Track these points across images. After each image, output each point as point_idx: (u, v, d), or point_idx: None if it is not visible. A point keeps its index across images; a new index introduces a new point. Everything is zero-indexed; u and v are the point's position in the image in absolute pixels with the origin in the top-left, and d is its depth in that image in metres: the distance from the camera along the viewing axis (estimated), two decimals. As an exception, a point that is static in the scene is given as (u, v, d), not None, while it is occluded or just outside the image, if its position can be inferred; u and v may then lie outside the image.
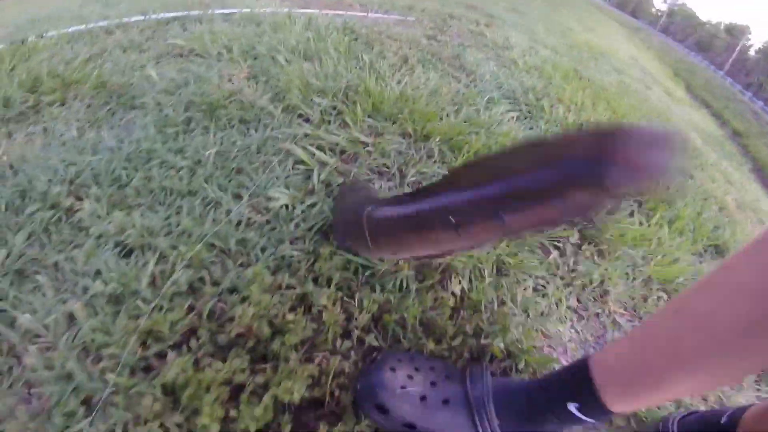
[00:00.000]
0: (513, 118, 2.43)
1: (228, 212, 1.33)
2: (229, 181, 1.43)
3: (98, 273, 1.19)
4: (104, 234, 1.29)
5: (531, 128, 2.45)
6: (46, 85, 2.27)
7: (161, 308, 1.11)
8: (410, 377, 0.98)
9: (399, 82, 2.26)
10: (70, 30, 2.98)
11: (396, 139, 1.80)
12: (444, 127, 1.91)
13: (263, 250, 1.26)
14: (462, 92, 2.51)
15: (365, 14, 3.60)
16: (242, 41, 2.42)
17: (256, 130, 1.66)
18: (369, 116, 1.87)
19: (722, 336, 0.61)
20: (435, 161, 1.76)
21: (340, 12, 3.49)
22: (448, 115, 2.15)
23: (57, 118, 2.01)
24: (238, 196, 1.38)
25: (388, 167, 1.66)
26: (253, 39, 2.48)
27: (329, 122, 1.77)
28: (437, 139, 1.84)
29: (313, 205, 1.41)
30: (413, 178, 1.65)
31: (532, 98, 2.76)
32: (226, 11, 3.23)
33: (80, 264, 1.22)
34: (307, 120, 1.79)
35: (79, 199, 1.47)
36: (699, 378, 0.67)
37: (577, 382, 0.82)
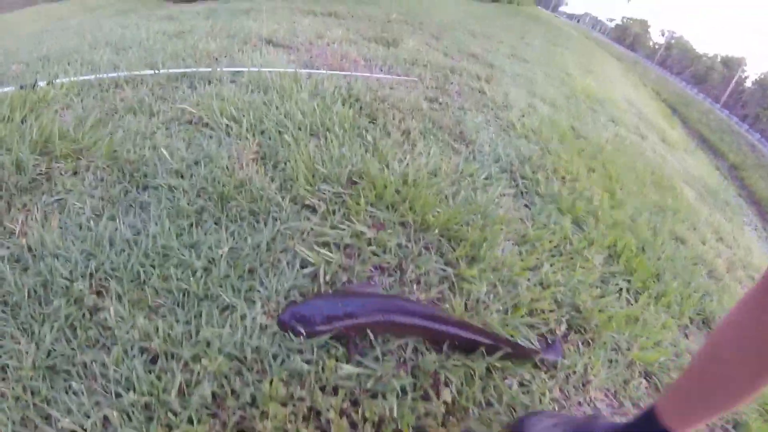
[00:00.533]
0: (509, 196, 2.58)
1: (242, 317, 1.45)
2: (242, 283, 1.55)
3: (128, 380, 1.32)
4: (130, 339, 1.41)
5: (527, 205, 2.60)
6: (58, 148, 2.35)
7: (191, 420, 1.23)
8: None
9: (401, 162, 2.40)
10: (80, 79, 3.11)
11: (397, 229, 1.93)
12: (442, 215, 2.04)
13: (275, 357, 1.38)
14: (461, 168, 2.65)
15: (369, 74, 3.78)
16: (250, 114, 2.57)
17: (265, 224, 1.79)
18: (371, 204, 2.00)
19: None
20: (433, 256, 1.89)
21: (345, 72, 3.66)
22: (446, 197, 2.28)
23: (71, 190, 2.11)
24: (251, 301, 1.51)
25: (388, 263, 1.79)
26: (261, 110, 2.63)
27: (334, 212, 1.91)
28: (435, 231, 1.97)
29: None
30: (412, 275, 1.78)
31: (528, 171, 2.89)
32: (234, 69, 3.39)
33: (110, 369, 1.34)
34: (314, 210, 1.92)
35: (101, 295, 1.58)
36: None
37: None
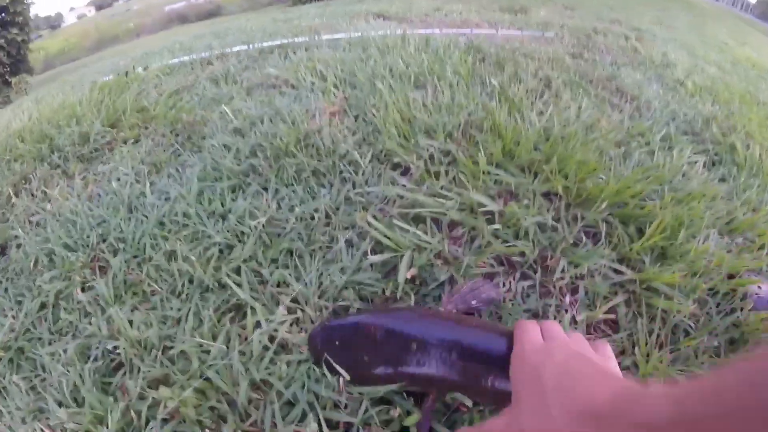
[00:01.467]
0: (700, 164, 1.72)
1: (256, 326, 0.88)
2: (272, 271, 0.98)
3: (76, 388, 0.85)
4: (96, 335, 0.94)
5: (724, 179, 1.71)
6: (127, 120, 2.12)
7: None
8: None
9: (541, 114, 1.68)
10: (171, 62, 2.94)
11: (538, 201, 1.23)
12: (610, 184, 1.29)
13: (291, 405, 0.79)
14: (627, 126, 1.86)
15: (494, 31, 3.10)
16: (340, 68, 2.06)
17: (330, 188, 1.23)
18: (497, 165, 1.33)
19: None
20: (600, 246, 1.15)
21: (465, 30, 3.04)
22: (611, 161, 1.52)
23: (125, 157, 1.79)
24: (275, 301, 0.94)
25: (524, 255, 1.10)
26: (354, 65, 2.09)
27: (437, 175, 1.27)
28: (602, 206, 1.23)
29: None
30: (563, 277, 1.06)
31: (717, 133, 1.98)
32: (333, 37, 2.96)
33: (60, 369, 0.90)
34: (406, 172, 1.31)
35: (94, 271, 1.16)
36: None
37: None
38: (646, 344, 0.99)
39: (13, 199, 1.64)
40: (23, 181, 1.79)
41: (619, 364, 0.95)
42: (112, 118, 2.18)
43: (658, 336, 1.02)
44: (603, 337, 1.03)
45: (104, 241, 1.19)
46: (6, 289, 1.22)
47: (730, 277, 1.19)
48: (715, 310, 1.09)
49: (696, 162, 1.74)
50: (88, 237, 1.20)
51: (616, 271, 1.13)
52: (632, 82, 2.47)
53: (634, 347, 1.00)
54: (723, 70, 3.87)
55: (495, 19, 3.70)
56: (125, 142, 1.95)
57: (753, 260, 1.24)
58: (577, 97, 2.00)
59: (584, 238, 1.18)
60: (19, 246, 1.35)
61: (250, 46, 2.97)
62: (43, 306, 1.11)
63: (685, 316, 1.04)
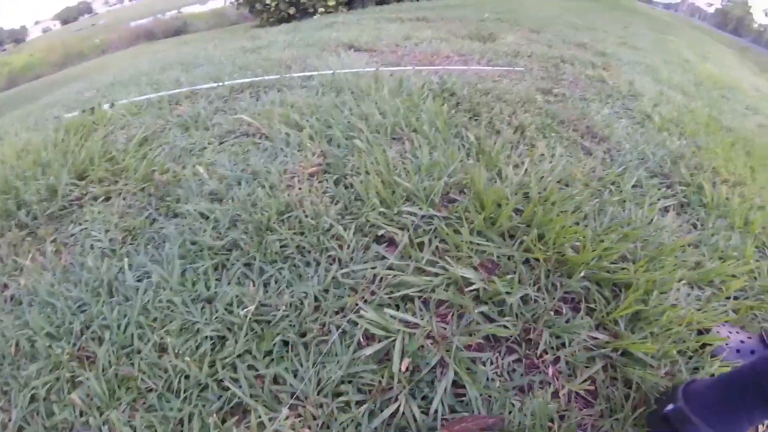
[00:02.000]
0: (671, 212, 1.82)
1: (259, 427, 0.90)
2: (268, 366, 1.00)
3: None
4: None
5: (694, 225, 1.82)
6: (96, 171, 2.08)
7: None
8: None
9: (517, 167, 1.76)
10: (138, 99, 2.90)
11: (519, 271, 1.29)
12: (587, 247, 1.36)
13: None
14: (598, 173, 1.96)
15: (465, 68, 3.19)
16: (315, 116, 2.09)
17: (317, 266, 1.25)
18: (478, 233, 1.38)
19: None
20: (579, 315, 1.22)
21: (436, 66, 3.12)
22: (586, 217, 1.60)
23: (96, 219, 1.77)
24: (276, 399, 0.96)
25: (507, 328, 1.15)
26: (329, 113, 2.13)
27: (421, 247, 1.31)
28: (580, 274, 1.30)
29: (392, 417, 0.96)
30: (546, 350, 1.12)
31: (686, 174, 2.10)
32: (305, 74, 2.99)
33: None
34: (391, 242, 1.35)
35: (82, 362, 1.15)
36: None
37: None
38: (623, 408, 1.06)
39: (-19, 267, 1.60)
40: (-9, 243, 1.75)
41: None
42: (79, 168, 2.14)
43: (634, 399, 1.09)
44: (583, 408, 1.09)
45: (88, 328, 1.19)
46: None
47: (699, 333, 1.28)
48: (686, 368, 1.16)
49: (667, 208, 1.84)
50: (70, 324, 1.19)
51: (593, 338, 1.19)
52: (601, 119, 2.59)
53: (611, 413, 1.06)
54: (687, 95, 4.06)
55: (465, 49, 3.80)
56: (95, 199, 1.93)
57: (721, 312, 1.33)
58: (551, 143, 2.09)
59: (563, 306, 1.24)
60: (-4, 325, 1.32)
61: (220, 83, 2.97)
62: (33, 399, 1.09)
63: (657, 380, 1.11)
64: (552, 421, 1.02)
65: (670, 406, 0.97)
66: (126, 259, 1.37)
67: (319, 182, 1.58)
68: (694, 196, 2.01)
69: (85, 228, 1.73)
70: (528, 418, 1.00)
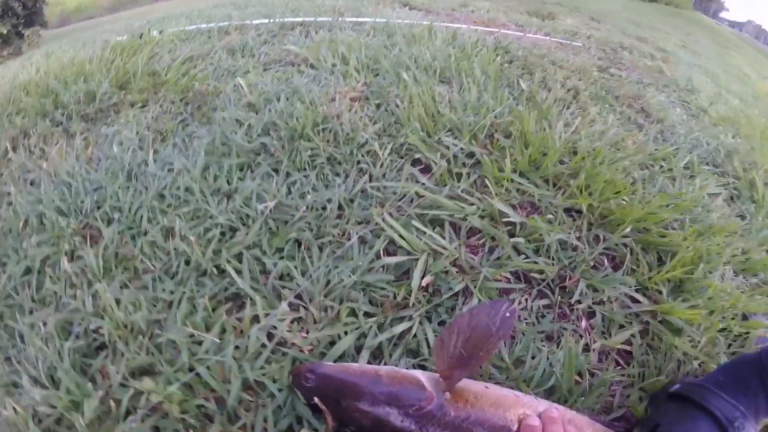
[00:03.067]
0: (721, 197, 1.66)
1: (253, 320, 0.81)
2: (276, 262, 0.92)
3: (51, 367, 0.78)
4: (80, 310, 0.87)
5: (742, 216, 1.65)
6: (137, 83, 2.03)
7: None
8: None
9: (567, 126, 1.61)
10: (188, 28, 2.83)
11: (560, 217, 1.16)
12: (635, 207, 1.22)
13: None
14: (651, 147, 1.80)
15: (522, 34, 3.00)
16: (364, 52, 1.97)
17: (346, 177, 1.15)
18: (521, 173, 1.25)
19: None
20: (619, 272, 1.08)
21: (493, 29, 2.95)
22: (634, 183, 1.45)
23: (131, 122, 1.71)
24: (276, 293, 0.87)
25: (542, 272, 1.03)
26: (378, 50, 2.01)
27: (459, 177, 1.20)
28: (627, 230, 1.16)
29: (401, 336, 0.85)
30: (581, 300, 1.00)
31: (738, 167, 1.92)
32: (357, 20, 2.86)
33: (38, 343, 0.82)
34: (428, 169, 1.23)
35: (85, 239, 1.09)
36: None
37: None
38: (657, 377, 0.93)
39: (10, 154, 1.56)
40: (23, 136, 1.71)
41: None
42: (121, 79, 2.09)
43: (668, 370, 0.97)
44: (616, 368, 0.97)
45: (99, 208, 1.11)
46: (-8, 251, 1.15)
47: (744, 317, 1.14)
48: (725, 350, 1.03)
49: (718, 194, 1.68)
50: (82, 202, 1.12)
51: (633, 299, 1.07)
52: (657, 103, 2.41)
53: (642, 380, 0.94)
54: (745, 103, 3.83)
55: (522, 22, 3.60)
56: (132, 106, 1.87)
57: (766, 303, 1.19)
58: (604, 112, 1.93)
59: (603, 260, 1.11)
60: (10, 204, 1.27)
61: (271, 20, 2.86)
62: (28, 271, 1.03)
63: (696, 355, 0.98)
64: (580, 375, 0.91)
65: (676, 385, 0.83)
66: (152, 151, 1.30)
67: (360, 105, 1.46)
68: (744, 190, 1.84)
69: (118, 129, 1.67)
70: (555, 367, 0.88)
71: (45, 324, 0.86)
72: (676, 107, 2.60)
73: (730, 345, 1.06)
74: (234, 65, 2.12)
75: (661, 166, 1.68)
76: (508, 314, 0.67)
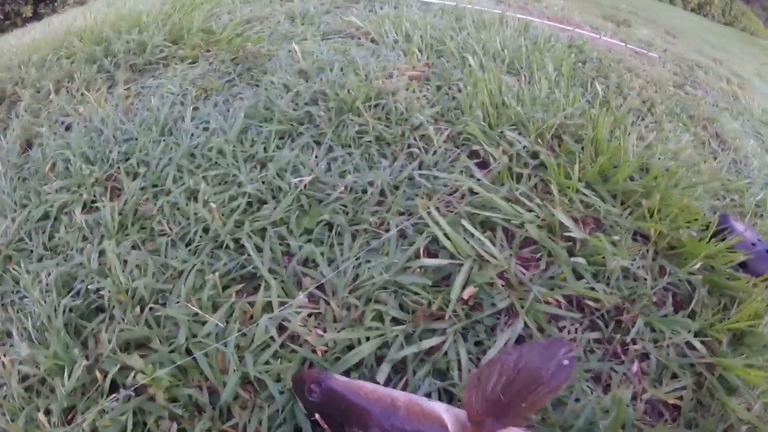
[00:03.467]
0: None
1: (265, 307, 0.71)
2: (303, 244, 0.81)
3: (43, 326, 0.71)
4: (84, 266, 0.79)
5: None
6: (191, 39, 1.97)
7: None
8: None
9: (640, 139, 1.44)
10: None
11: (625, 240, 1.01)
12: (707, 242, 1.06)
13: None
14: (724, 177, 1.61)
15: (597, 36, 2.78)
16: (429, 32, 1.83)
17: (393, 161, 1.03)
18: (588, 184, 1.10)
19: None
20: (680, 314, 0.93)
21: (567, 27, 2.74)
22: (706, 213, 1.28)
23: (177, 76, 1.65)
24: (296, 281, 0.76)
25: (598, 301, 0.88)
26: (444, 31, 1.87)
27: (519, 178, 1.06)
28: (696, 266, 1.00)
29: (429, 352, 0.73)
30: (637, 339, 0.85)
31: None
32: (425, 0, 2.72)
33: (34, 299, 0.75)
34: (485, 164, 1.10)
35: (106, 191, 1.01)
36: None
37: None
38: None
39: (52, 96, 1.51)
40: (67, 80, 1.66)
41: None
42: (176, 34, 2.02)
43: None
44: (662, 421, 0.83)
45: (126, 160, 1.04)
46: (15, 188, 1.09)
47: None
48: None
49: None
50: (110, 152, 1.05)
51: (690, 346, 0.91)
52: (731, 130, 2.21)
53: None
54: (825, 142, 3.50)
55: (597, 25, 3.37)
56: (182, 61, 1.80)
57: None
58: (677, 131, 1.74)
59: (666, 296, 0.96)
60: (41, 145, 1.22)
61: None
62: (45, 216, 0.97)
63: (749, 420, 0.83)
64: (623, 426, 0.77)
65: None
66: (191, 108, 1.21)
67: (419, 85, 1.33)
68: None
69: (162, 82, 1.60)
70: (599, 416, 0.75)
71: (48, 275, 0.78)
72: (749, 138, 2.38)
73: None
74: (292, 31, 2.02)
75: (733, 200, 1.50)
76: (566, 361, 0.53)
